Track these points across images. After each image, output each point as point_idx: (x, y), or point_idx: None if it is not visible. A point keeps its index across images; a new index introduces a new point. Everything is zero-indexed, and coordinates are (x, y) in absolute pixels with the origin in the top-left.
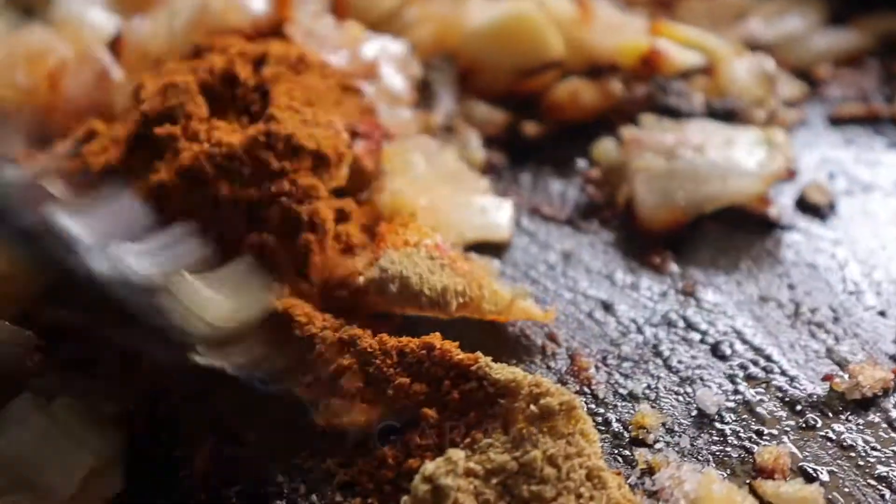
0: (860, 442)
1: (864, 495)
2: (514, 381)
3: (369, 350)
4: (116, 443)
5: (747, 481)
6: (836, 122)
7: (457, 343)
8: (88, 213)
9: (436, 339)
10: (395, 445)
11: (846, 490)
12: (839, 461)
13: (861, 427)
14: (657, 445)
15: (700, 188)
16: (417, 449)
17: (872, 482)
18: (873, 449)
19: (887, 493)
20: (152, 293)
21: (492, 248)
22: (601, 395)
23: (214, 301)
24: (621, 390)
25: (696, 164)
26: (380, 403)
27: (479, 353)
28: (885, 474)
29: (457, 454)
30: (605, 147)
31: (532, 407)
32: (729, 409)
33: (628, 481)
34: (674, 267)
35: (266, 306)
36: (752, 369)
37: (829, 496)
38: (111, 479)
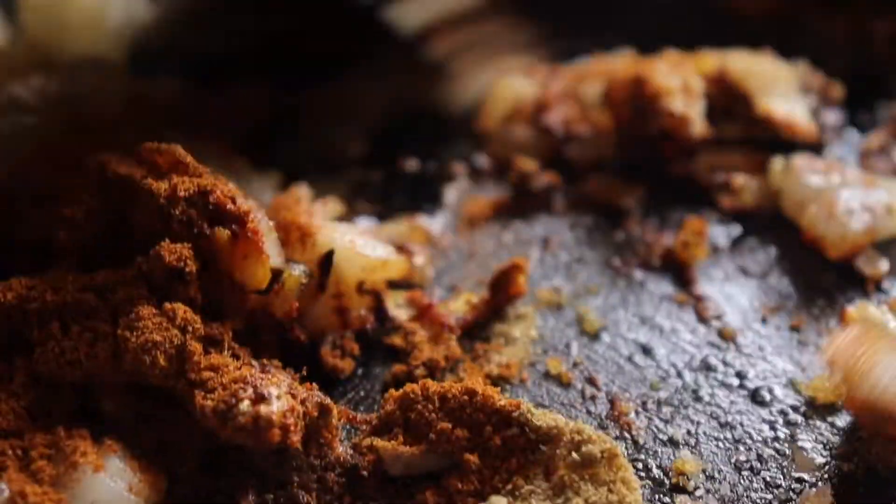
0: None
1: None
2: (555, 428)
3: (412, 395)
4: (163, 491)
5: None
6: None
7: (498, 389)
8: None
9: (478, 384)
10: (437, 490)
11: None
12: None
13: None
14: (697, 492)
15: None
16: (459, 494)
17: None
18: None
19: None
20: None
21: None
22: (641, 441)
23: None
24: (661, 436)
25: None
26: (422, 448)
27: (521, 399)
28: None
29: (499, 501)
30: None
31: (574, 454)
32: (770, 456)
33: None
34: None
35: None
36: (792, 415)
37: None
38: None
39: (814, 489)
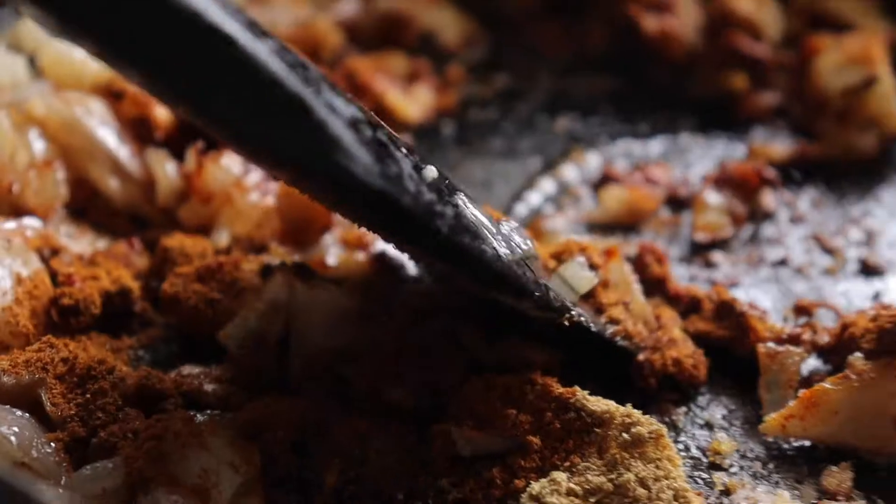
0: None
1: None
2: (608, 412)
3: (477, 387)
4: (258, 466)
5: (813, 502)
6: None
7: (555, 378)
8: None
9: (537, 375)
10: (503, 468)
11: None
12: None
13: None
14: (732, 469)
15: None
16: (522, 471)
17: None
18: None
19: None
20: (531, 264)
21: None
22: (681, 425)
23: None
24: (698, 420)
25: None
26: (489, 431)
27: (576, 387)
28: None
29: (560, 476)
30: None
31: (624, 435)
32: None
33: (708, 501)
34: None
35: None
36: None
37: None
38: (254, 498)
39: (835, 466)
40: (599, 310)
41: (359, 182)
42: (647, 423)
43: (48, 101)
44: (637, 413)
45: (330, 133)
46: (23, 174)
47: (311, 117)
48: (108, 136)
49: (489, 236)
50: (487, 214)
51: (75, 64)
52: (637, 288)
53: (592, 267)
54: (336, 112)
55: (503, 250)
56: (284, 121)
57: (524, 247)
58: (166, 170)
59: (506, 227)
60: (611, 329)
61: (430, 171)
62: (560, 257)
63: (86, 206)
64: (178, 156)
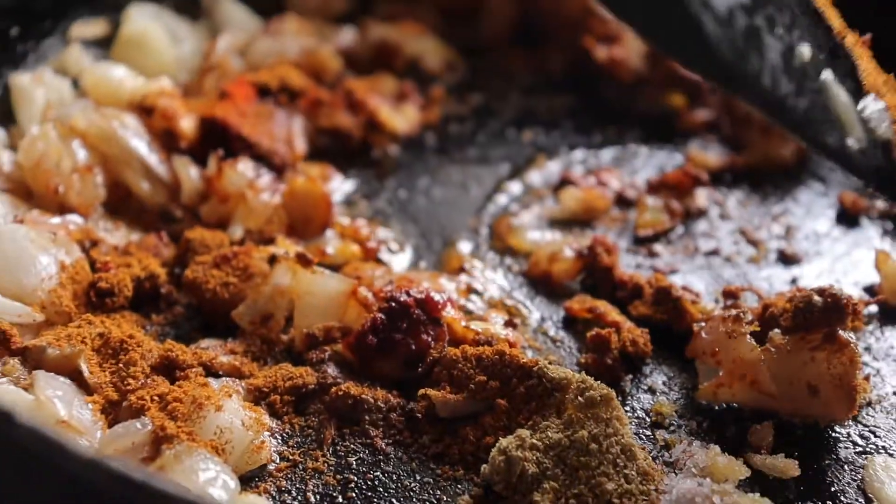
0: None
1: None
2: (565, 379)
3: (454, 357)
4: (266, 426)
5: (742, 455)
6: None
7: (521, 349)
8: None
9: (506, 347)
10: (475, 426)
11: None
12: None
13: None
14: (671, 428)
15: None
16: (491, 429)
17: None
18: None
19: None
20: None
21: None
22: (628, 390)
23: None
24: (643, 385)
25: None
26: (463, 395)
27: (538, 358)
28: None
29: (524, 433)
30: None
31: (579, 398)
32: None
33: (651, 454)
34: None
35: None
36: None
37: (802, 465)
38: (263, 453)
39: (759, 425)
40: None
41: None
42: (598, 388)
43: (89, 116)
44: (590, 379)
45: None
46: (67, 178)
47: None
48: (140, 145)
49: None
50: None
51: (113, 84)
52: None
53: None
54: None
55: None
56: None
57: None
58: (190, 174)
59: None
60: None
61: (802, 53)
62: None
63: (120, 204)
64: (200, 162)
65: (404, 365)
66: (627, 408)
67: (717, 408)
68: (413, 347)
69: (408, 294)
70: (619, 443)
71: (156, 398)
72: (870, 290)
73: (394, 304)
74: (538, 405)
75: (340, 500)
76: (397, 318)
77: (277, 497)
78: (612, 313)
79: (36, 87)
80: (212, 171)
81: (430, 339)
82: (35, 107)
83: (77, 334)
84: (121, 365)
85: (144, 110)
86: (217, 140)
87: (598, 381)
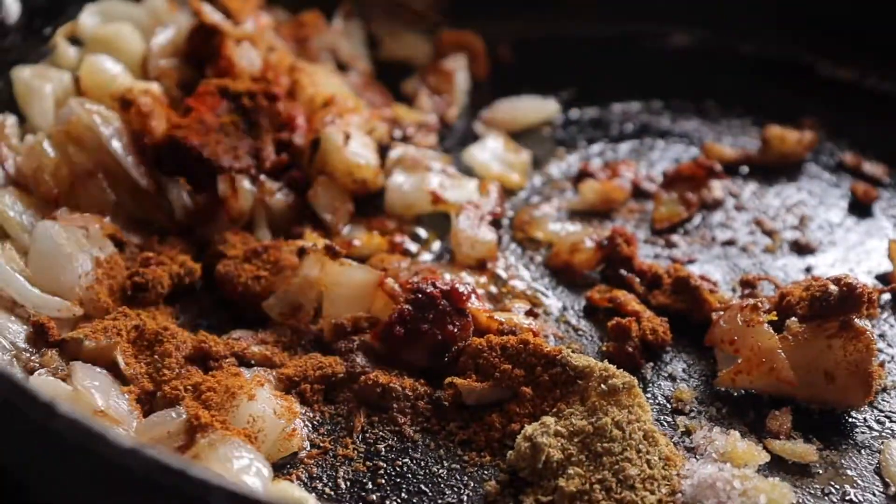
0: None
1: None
2: (588, 367)
3: (479, 346)
4: (297, 414)
5: (761, 440)
6: None
7: (545, 338)
8: None
9: (529, 336)
10: (501, 413)
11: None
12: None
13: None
14: (691, 414)
15: None
16: (517, 416)
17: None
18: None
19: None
20: None
21: None
22: (649, 378)
23: None
24: (663, 373)
25: None
26: (489, 384)
27: (561, 346)
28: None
29: (549, 420)
30: None
31: (602, 385)
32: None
33: (672, 440)
34: None
35: None
36: None
37: (820, 450)
38: (294, 440)
39: (777, 411)
40: None
41: None
42: (621, 376)
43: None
44: (613, 367)
45: None
46: (65, 186)
47: None
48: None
49: None
50: None
51: (107, 77)
52: None
53: None
54: None
55: None
56: None
57: None
58: (183, 198)
59: None
60: None
61: None
62: None
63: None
64: (159, 165)
65: (431, 354)
66: (648, 395)
67: (735, 394)
68: (439, 337)
69: (434, 285)
70: (642, 429)
71: (189, 388)
72: (883, 278)
73: (420, 296)
74: (562, 392)
75: (370, 486)
76: (424, 309)
77: (309, 483)
78: (632, 302)
79: (43, 82)
80: (226, 192)
81: (455, 330)
82: (46, 102)
83: (113, 327)
84: (156, 356)
85: (125, 103)
86: (180, 158)
87: (621, 370)
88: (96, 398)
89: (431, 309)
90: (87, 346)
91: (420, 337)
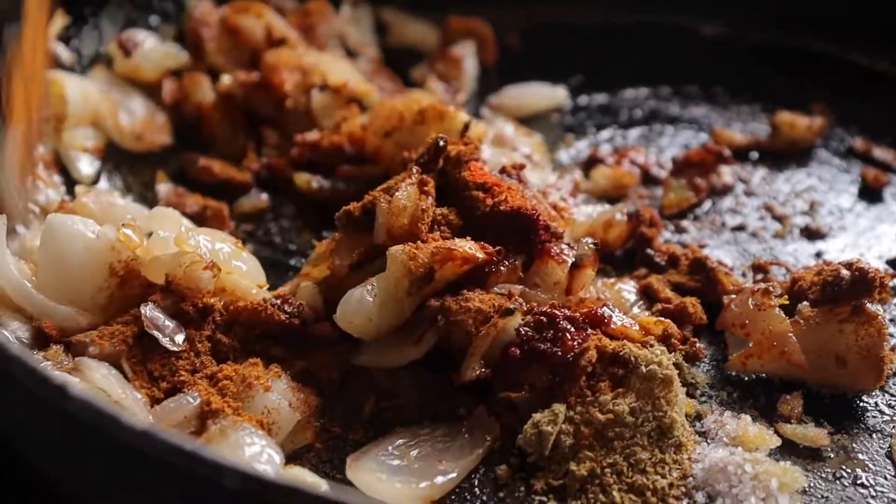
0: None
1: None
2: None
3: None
4: (315, 406)
5: (772, 424)
6: None
7: None
8: None
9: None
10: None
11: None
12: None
13: None
14: (702, 398)
15: None
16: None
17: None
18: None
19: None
20: None
21: None
22: None
23: None
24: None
25: None
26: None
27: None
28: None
29: (559, 407)
30: None
31: (643, 368)
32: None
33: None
34: None
35: None
36: None
37: (831, 434)
38: (308, 432)
39: (788, 395)
40: None
41: None
42: (664, 368)
43: None
44: (666, 358)
45: None
46: None
47: None
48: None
49: None
50: None
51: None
52: None
53: None
54: None
55: None
56: None
57: None
58: None
59: None
60: None
61: None
62: None
63: None
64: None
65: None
66: None
67: (746, 378)
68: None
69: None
70: (657, 418)
71: (206, 377)
72: (893, 263)
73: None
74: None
75: None
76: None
77: (320, 468)
78: (665, 289)
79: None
80: None
81: (575, 344)
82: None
83: (119, 332)
84: (171, 358)
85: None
86: None
87: (667, 363)
88: (109, 388)
89: (550, 328)
90: (91, 352)
91: (538, 357)
